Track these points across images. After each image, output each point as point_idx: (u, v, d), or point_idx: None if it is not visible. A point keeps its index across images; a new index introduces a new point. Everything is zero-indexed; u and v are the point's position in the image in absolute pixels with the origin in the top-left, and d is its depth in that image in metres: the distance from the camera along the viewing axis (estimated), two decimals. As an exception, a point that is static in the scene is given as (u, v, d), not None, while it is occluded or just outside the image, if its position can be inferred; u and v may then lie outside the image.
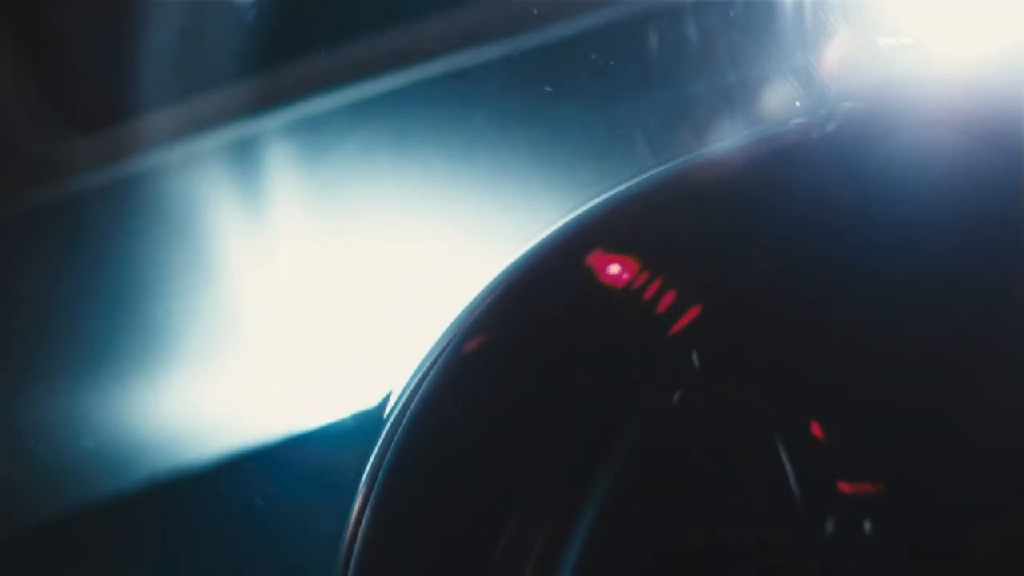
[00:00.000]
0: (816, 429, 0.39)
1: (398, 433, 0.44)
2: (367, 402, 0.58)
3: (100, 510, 0.60)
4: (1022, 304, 0.40)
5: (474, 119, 0.59)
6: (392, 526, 0.44)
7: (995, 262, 0.41)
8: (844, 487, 0.39)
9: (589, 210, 0.46)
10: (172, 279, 0.60)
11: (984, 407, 0.39)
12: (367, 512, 0.44)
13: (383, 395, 0.48)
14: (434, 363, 0.45)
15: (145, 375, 0.60)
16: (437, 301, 0.49)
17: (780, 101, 0.51)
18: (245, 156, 0.60)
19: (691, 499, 0.39)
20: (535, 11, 0.58)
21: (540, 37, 0.59)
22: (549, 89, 0.58)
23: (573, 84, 0.59)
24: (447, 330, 0.46)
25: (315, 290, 0.60)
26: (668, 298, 0.42)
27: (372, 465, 0.45)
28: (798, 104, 0.50)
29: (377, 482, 0.44)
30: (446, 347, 0.45)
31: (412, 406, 0.45)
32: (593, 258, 0.44)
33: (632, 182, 0.46)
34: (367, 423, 0.57)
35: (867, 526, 0.38)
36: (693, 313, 0.41)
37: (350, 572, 0.44)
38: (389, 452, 0.44)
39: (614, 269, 0.43)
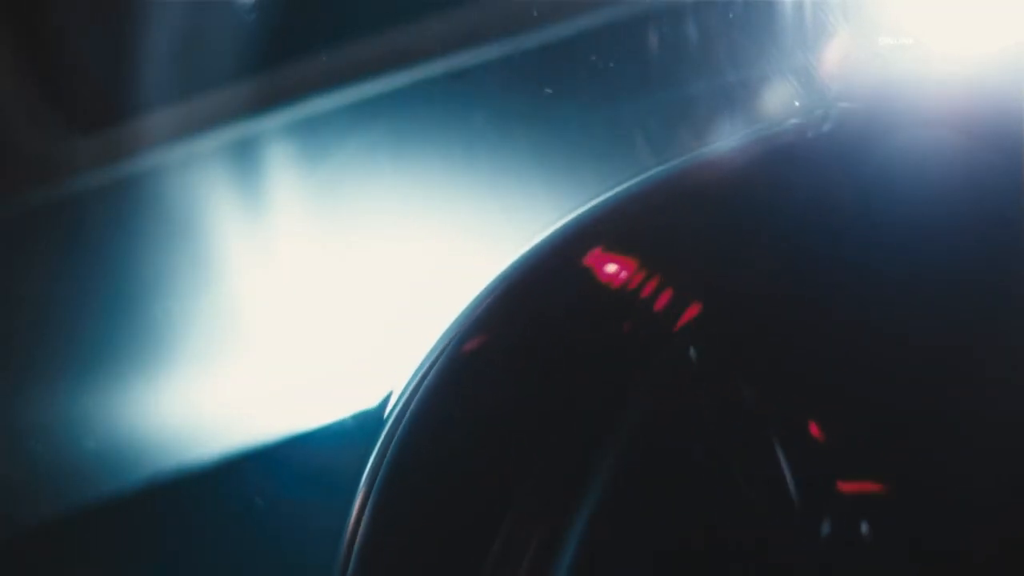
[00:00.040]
0: (815, 429, 0.39)
1: (398, 433, 0.44)
2: (367, 402, 0.58)
3: (100, 510, 0.60)
4: (1022, 304, 0.40)
5: (474, 119, 0.59)
6: (392, 526, 0.44)
7: (995, 262, 0.41)
8: (844, 487, 0.39)
9: (589, 210, 0.46)
10: (172, 279, 0.60)
11: (984, 407, 0.39)
12: (367, 512, 0.44)
13: (383, 395, 0.48)
14: (434, 363, 0.45)
15: (145, 375, 0.60)
16: (437, 301, 0.49)
17: (780, 101, 0.51)
18: (245, 156, 0.60)
19: (690, 499, 0.39)
20: (535, 11, 0.58)
21: (540, 37, 0.59)
22: (549, 90, 0.58)
23: (573, 84, 0.59)
24: (447, 330, 0.46)
25: (315, 290, 0.60)
26: (667, 298, 0.42)
27: (372, 465, 0.45)
28: (798, 104, 0.50)
29: (377, 482, 0.44)
30: (446, 347, 0.45)
31: (412, 406, 0.45)
32: (593, 258, 0.44)
33: (632, 182, 0.46)
34: (367, 423, 0.57)
35: (867, 526, 0.38)
36: (692, 313, 0.41)
37: (350, 572, 0.44)
38: (389, 452, 0.44)
39: (614, 269, 0.43)
